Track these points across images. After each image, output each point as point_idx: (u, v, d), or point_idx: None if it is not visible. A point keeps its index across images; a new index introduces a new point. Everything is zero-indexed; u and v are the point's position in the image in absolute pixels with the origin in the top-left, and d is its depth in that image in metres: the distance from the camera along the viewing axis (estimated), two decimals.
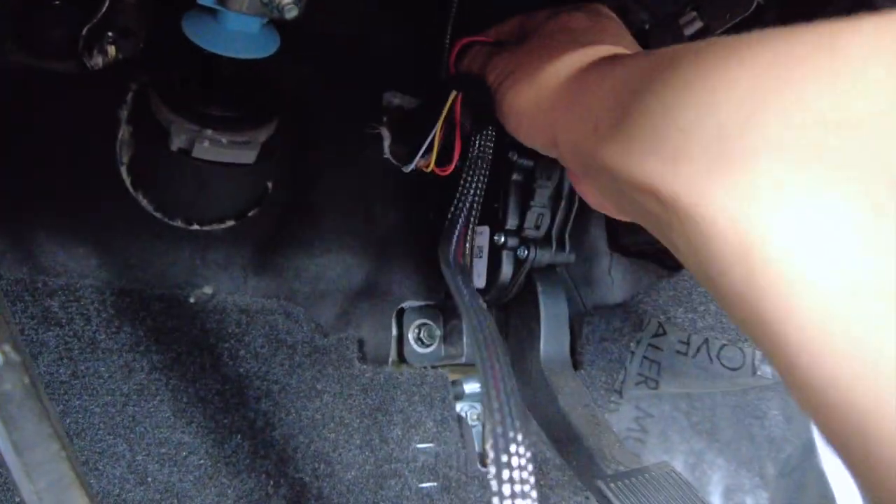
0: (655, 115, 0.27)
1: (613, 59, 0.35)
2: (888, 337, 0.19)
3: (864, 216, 0.20)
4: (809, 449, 0.58)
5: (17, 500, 0.49)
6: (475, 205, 0.54)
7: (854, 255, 0.20)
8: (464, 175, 0.55)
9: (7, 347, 0.26)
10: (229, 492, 0.57)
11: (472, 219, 0.55)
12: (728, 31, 0.55)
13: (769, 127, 0.22)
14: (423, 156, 0.63)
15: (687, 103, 0.25)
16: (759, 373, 0.59)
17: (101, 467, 0.53)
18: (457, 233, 0.53)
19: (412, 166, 0.65)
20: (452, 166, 0.60)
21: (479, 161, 0.54)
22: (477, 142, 0.55)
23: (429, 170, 0.64)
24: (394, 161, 0.73)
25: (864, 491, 0.21)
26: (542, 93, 0.40)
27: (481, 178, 0.55)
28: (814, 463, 0.58)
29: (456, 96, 0.58)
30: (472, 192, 0.54)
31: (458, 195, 0.55)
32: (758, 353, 0.59)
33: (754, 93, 0.22)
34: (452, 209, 0.54)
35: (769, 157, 0.22)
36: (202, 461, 0.56)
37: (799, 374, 0.21)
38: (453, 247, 0.52)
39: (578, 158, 0.36)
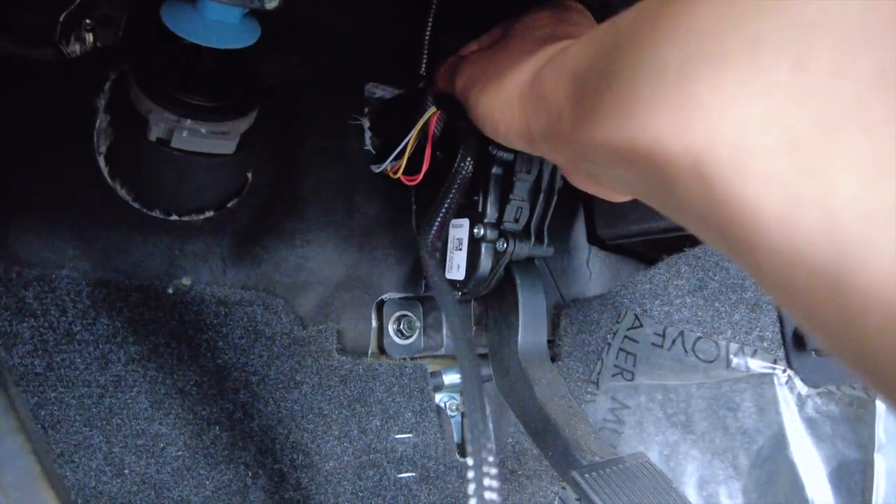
0: (601, 83, 0.27)
1: (565, 48, 0.35)
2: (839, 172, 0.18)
3: (786, 75, 0.20)
4: (781, 440, 0.59)
5: None
6: (456, 202, 0.56)
7: (785, 110, 0.20)
8: (446, 184, 0.56)
9: None
10: (207, 483, 0.57)
11: (451, 215, 0.56)
12: None
13: (697, 53, 0.22)
14: (392, 160, 0.64)
15: (626, 60, 0.25)
16: (732, 365, 0.60)
17: (76, 459, 0.53)
18: (437, 224, 0.54)
19: (381, 169, 0.66)
20: (420, 178, 0.61)
21: (458, 175, 0.56)
22: (461, 161, 0.56)
23: (395, 176, 0.64)
24: (374, 152, 0.73)
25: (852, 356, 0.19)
26: (511, 94, 0.41)
27: (457, 190, 0.56)
28: (785, 454, 0.59)
29: (433, 112, 0.59)
30: (451, 200, 0.55)
31: (443, 191, 0.56)
32: (732, 346, 0.60)
33: (685, 35, 0.23)
34: (436, 204, 0.56)
35: (700, 73, 0.22)
36: (180, 452, 0.56)
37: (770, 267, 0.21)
38: (432, 237, 0.52)
39: (556, 151, 0.37)
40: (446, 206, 0.55)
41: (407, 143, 0.62)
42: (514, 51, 0.43)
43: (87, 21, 0.65)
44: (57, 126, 0.60)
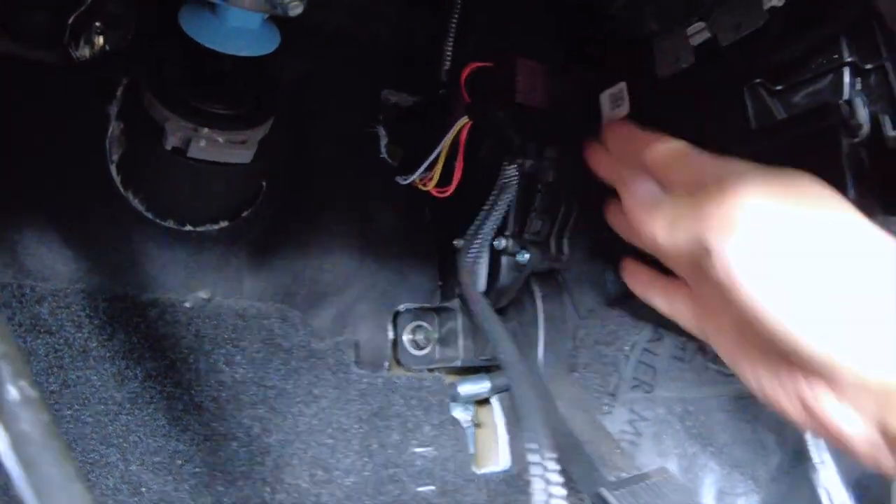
0: None
1: None
2: None
3: None
4: (801, 454, 0.59)
5: None
6: (497, 225, 0.56)
7: None
8: (493, 197, 0.56)
9: (23, 383, 0.25)
10: (225, 500, 0.56)
11: (490, 234, 0.57)
12: (736, 45, 0.55)
13: None
14: (423, 172, 0.63)
15: None
16: None
17: (93, 478, 0.52)
18: (476, 248, 0.55)
19: (410, 180, 0.65)
20: (452, 189, 0.61)
21: (510, 185, 0.56)
22: (507, 168, 0.56)
23: (426, 188, 0.64)
24: (390, 161, 0.72)
25: None
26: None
27: (507, 201, 0.57)
28: (804, 468, 0.59)
29: (465, 123, 0.59)
30: (497, 213, 0.56)
31: (485, 214, 0.56)
32: None
33: None
34: (476, 225, 0.56)
35: None
36: (198, 469, 0.56)
37: None
38: (470, 259, 0.53)
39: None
40: (490, 222, 0.55)
41: (439, 154, 0.61)
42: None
43: (97, 23, 0.64)
44: (68, 133, 0.58)
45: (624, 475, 0.54)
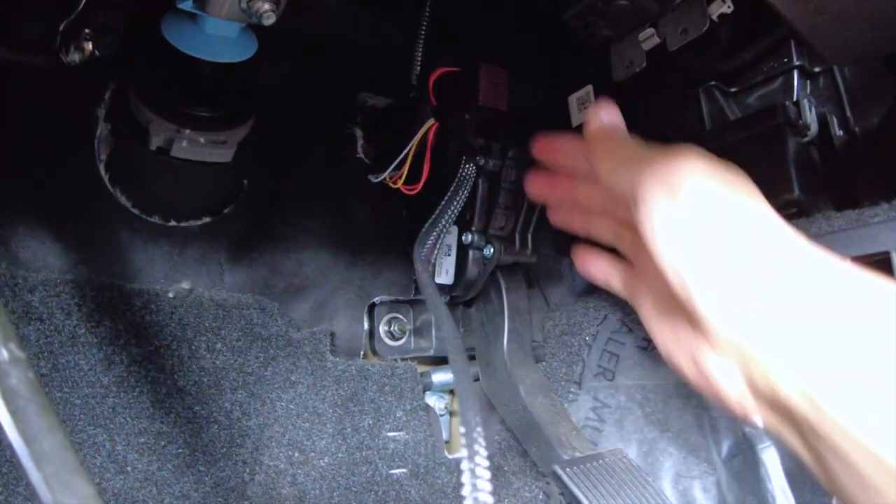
0: (835, 350, 0.33)
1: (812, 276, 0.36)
2: None
3: None
4: (749, 438, 0.63)
5: (24, 487, 0.51)
6: (453, 217, 0.60)
7: None
8: (450, 192, 0.59)
9: (12, 346, 0.28)
10: (206, 479, 0.59)
11: (447, 228, 0.60)
12: (684, 49, 0.58)
13: None
14: (392, 170, 0.67)
15: (866, 350, 0.32)
16: None
17: (81, 457, 0.55)
18: (433, 238, 0.58)
19: (381, 178, 0.69)
20: (420, 186, 0.65)
21: (465, 182, 0.59)
22: (465, 167, 0.59)
23: (396, 186, 0.68)
24: (366, 160, 0.76)
25: None
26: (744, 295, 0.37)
27: (464, 196, 0.60)
28: (753, 451, 0.62)
29: (432, 124, 0.62)
30: (454, 206, 0.60)
31: (441, 207, 0.60)
32: None
33: None
34: (433, 218, 0.59)
35: None
36: (180, 450, 0.59)
37: None
38: (426, 249, 0.56)
39: (756, 351, 0.36)
40: (446, 216, 0.59)
41: (407, 154, 0.65)
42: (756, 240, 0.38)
43: (87, 30, 0.67)
44: (59, 134, 0.62)
45: (578, 455, 0.57)
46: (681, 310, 0.40)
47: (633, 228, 0.45)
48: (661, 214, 0.39)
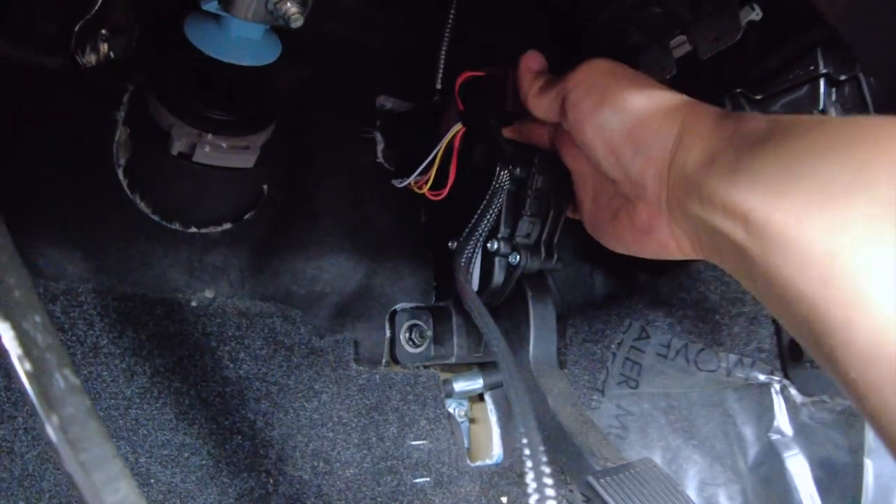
0: (772, 163, 0.33)
1: (725, 114, 0.41)
2: None
3: None
4: (776, 445, 0.63)
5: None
6: (489, 226, 0.59)
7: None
8: (486, 201, 0.59)
9: (67, 372, 0.27)
10: (231, 490, 0.58)
11: (484, 238, 0.60)
12: (715, 57, 0.58)
13: (871, 185, 0.28)
14: (418, 175, 0.66)
15: (803, 159, 0.32)
16: (732, 376, 0.64)
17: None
18: (471, 249, 0.58)
19: (406, 183, 0.68)
20: (445, 192, 0.64)
21: (501, 190, 0.59)
22: (500, 175, 0.59)
23: (421, 191, 0.67)
24: (386, 165, 0.75)
25: None
26: (648, 128, 0.44)
27: (500, 205, 0.60)
28: (780, 458, 0.62)
29: (459, 129, 0.61)
30: (490, 216, 0.60)
31: (478, 216, 0.59)
32: (731, 358, 0.64)
33: (865, 164, 0.29)
34: (470, 227, 0.59)
35: (867, 202, 0.28)
36: (204, 461, 0.58)
37: (852, 375, 0.28)
38: (464, 260, 0.56)
39: (679, 183, 0.41)
40: (483, 225, 0.58)
41: (434, 159, 0.64)
42: (658, 98, 0.45)
43: (103, 31, 0.66)
44: (76, 138, 0.60)
45: (610, 465, 0.56)
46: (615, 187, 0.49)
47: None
48: (574, 94, 0.48)
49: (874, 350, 0.26)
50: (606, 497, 0.53)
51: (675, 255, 0.47)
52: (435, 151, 0.64)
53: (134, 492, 0.26)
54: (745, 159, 0.35)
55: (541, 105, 0.53)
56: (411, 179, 0.67)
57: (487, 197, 0.59)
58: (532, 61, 0.57)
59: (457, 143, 0.63)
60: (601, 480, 0.53)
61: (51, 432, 0.26)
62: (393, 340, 0.72)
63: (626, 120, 0.45)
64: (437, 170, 0.65)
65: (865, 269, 0.27)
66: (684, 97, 0.45)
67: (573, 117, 0.48)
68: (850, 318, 0.27)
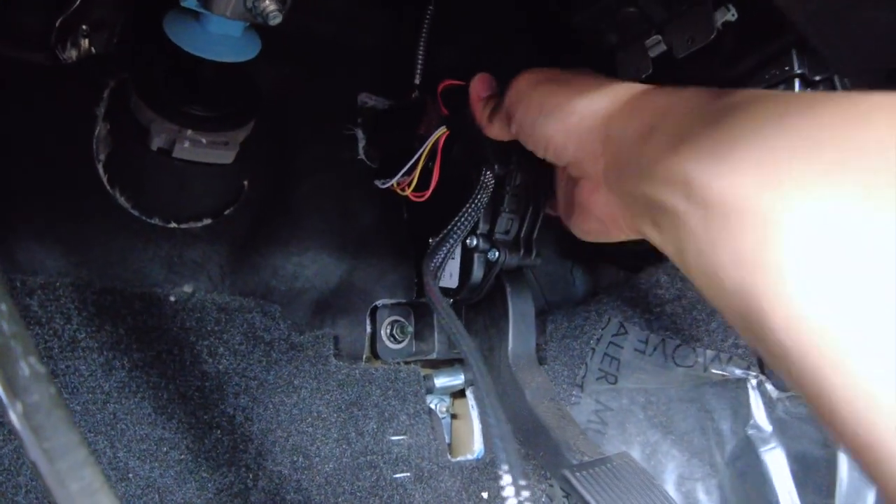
0: (711, 133, 0.33)
1: (660, 88, 0.42)
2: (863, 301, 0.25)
3: (862, 212, 0.25)
4: (753, 440, 0.63)
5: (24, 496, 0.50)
6: (468, 228, 0.60)
7: (849, 246, 0.26)
8: (470, 203, 0.59)
9: (32, 360, 0.27)
10: (209, 485, 0.58)
11: (461, 239, 0.61)
12: (689, 57, 0.58)
13: (811, 157, 0.28)
14: (401, 177, 0.66)
15: (743, 129, 0.31)
16: (709, 371, 0.64)
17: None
18: (444, 251, 0.58)
19: (389, 184, 0.68)
20: (428, 193, 0.64)
21: (483, 193, 0.59)
22: (485, 175, 0.60)
23: (404, 193, 0.67)
24: (368, 162, 0.75)
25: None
26: (584, 125, 0.45)
27: (481, 208, 0.60)
28: (756, 453, 0.63)
29: (443, 133, 0.62)
30: (470, 219, 0.60)
31: (458, 218, 0.60)
32: (708, 354, 0.64)
33: (803, 134, 0.29)
34: (448, 230, 0.59)
35: (801, 169, 0.28)
36: (182, 456, 0.58)
37: (779, 344, 0.27)
38: (433, 264, 0.56)
39: (616, 154, 0.42)
40: (471, 216, 0.59)
41: (417, 161, 0.64)
42: (585, 83, 0.47)
43: (84, 27, 0.66)
44: (56, 133, 0.60)
45: (587, 459, 0.57)
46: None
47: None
48: (522, 122, 0.50)
49: (800, 311, 0.26)
50: (582, 491, 0.53)
51: (614, 233, 0.48)
52: (418, 154, 0.64)
53: (98, 479, 0.26)
54: (689, 128, 0.35)
55: (493, 130, 0.56)
56: (394, 180, 0.67)
57: (471, 200, 0.60)
58: (480, 88, 0.58)
59: (440, 146, 0.64)
60: (577, 474, 0.54)
61: (14, 420, 0.26)
62: (374, 336, 0.72)
63: (564, 119, 0.46)
64: (420, 171, 0.66)
65: (802, 231, 0.27)
66: (625, 83, 0.46)
67: (519, 135, 0.51)
68: (780, 279, 0.27)
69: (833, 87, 0.68)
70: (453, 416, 0.76)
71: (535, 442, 0.61)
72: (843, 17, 0.44)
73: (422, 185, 0.66)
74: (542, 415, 0.61)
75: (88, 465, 0.26)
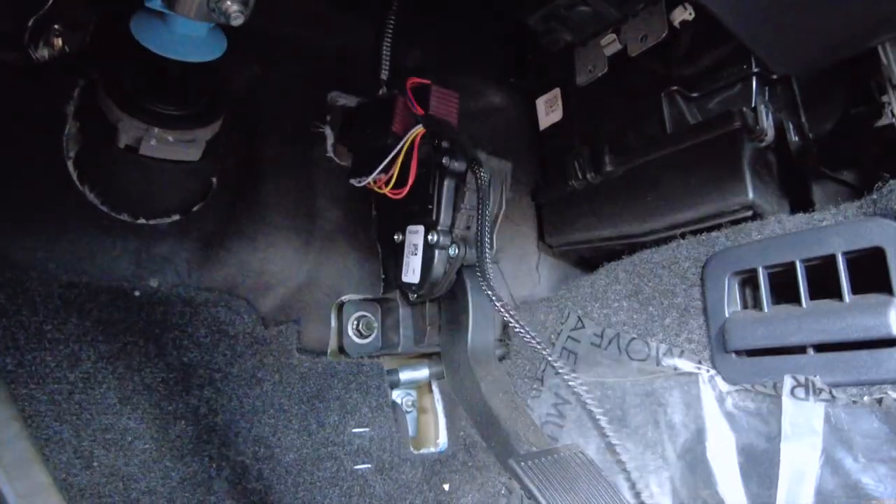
0: None
1: None
2: None
3: None
4: (702, 433, 0.65)
5: None
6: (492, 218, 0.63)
7: None
8: (480, 202, 0.63)
9: None
10: (173, 475, 0.60)
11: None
12: (648, 55, 0.60)
13: None
14: (378, 174, 0.68)
15: None
16: (662, 364, 0.66)
17: (47, 453, 0.56)
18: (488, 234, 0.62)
19: (365, 182, 0.70)
20: (406, 190, 0.66)
21: (482, 188, 0.62)
22: (479, 174, 0.62)
23: (382, 191, 0.69)
24: (336, 159, 0.77)
25: None
26: None
27: (487, 202, 0.63)
28: (705, 445, 0.65)
29: (419, 132, 0.64)
30: (490, 208, 0.63)
31: (480, 218, 0.63)
32: (662, 347, 0.66)
33: None
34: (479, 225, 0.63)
35: None
36: (147, 446, 0.59)
37: None
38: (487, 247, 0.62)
39: None
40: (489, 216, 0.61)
41: (395, 158, 0.66)
42: None
43: (56, 26, 0.67)
44: (27, 130, 0.62)
45: (535, 449, 0.59)
46: None
47: None
48: None
49: None
50: (525, 480, 0.54)
51: None
52: (395, 152, 0.66)
53: (30, 450, 0.28)
54: None
55: None
56: (371, 178, 0.69)
57: (479, 200, 0.62)
58: None
59: (417, 144, 0.66)
60: (522, 464, 0.55)
61: None
62: (340, 331, 0.74)
63: None
64: (399, 169, 0.68)
65: None
66: None
67: None
68: None
69: (790, 85, 0.70)
70: (420, 410, 0.78)
71: (488, 433, 0.63)
72: (771, 22, 0.46)
73: (400, 182, 0.68)
74: (496, 406, 0.63)
75: (23, 438, 0.28)
